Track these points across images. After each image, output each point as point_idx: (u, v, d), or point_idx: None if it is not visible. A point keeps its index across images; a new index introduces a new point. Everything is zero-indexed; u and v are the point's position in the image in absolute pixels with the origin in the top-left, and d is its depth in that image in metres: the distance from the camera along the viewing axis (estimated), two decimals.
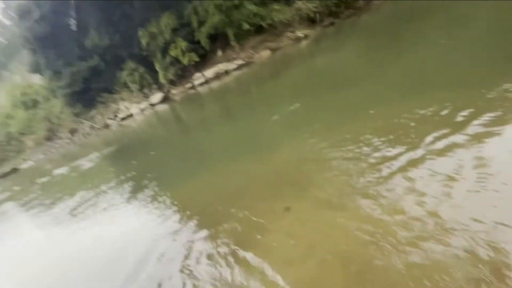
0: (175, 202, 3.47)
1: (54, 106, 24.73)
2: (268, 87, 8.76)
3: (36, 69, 23.53)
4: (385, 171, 2.34)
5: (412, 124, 2.84)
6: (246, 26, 17.47)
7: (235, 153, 4.29)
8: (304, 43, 15.32)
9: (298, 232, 2.15)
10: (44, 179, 10.68)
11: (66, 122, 23.66)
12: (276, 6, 17.89)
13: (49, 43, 21.08)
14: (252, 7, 17.58)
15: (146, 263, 2.58)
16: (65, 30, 21.21)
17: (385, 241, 1.72)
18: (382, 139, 2.81)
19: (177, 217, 3.18)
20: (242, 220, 2.56)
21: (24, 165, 22.70)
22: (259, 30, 17.99)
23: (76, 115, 23.08)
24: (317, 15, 16.65)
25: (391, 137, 2.81)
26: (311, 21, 17.09)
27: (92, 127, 21.87)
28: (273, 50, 17.21)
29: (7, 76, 36.48)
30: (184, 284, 2.17)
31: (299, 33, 16.87)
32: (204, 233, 2.66)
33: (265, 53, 17.38)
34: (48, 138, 24.63)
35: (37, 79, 27.07)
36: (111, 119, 21.23)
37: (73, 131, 23.03)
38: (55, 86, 22.31)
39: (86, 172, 8.72)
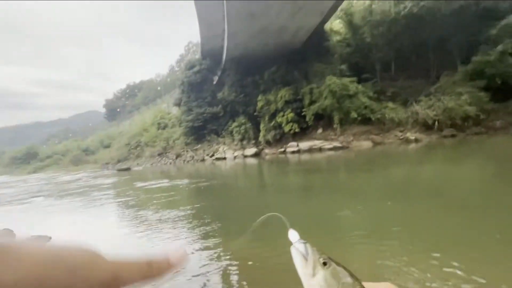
0: (227, 253, 3.42)
1: (175, 132, 30.89)
2: (358, 177, 8.30)
3: (177, 103, 30.88)
4: None
5: None
6: (353, 115, 17.88)
7: (302, 229, 4.03)
8: (413, 146, 14.21)
9: None
10: (142, 185, 12.84)
11: (177, 147, 28.80)
12: (390, 105, 17.85)
13: (193, 88, 27.64)
14: (365, 100, 18.12)
15: None
16: (208, 82, 27.53)
17: None
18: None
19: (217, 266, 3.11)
20: None
21: (135, 168, 28.20)
22: (366, 120, 18.09)
23: (186, 144, 27.85)
24: (436, 123, 15.52)
25: None
26: (426, 126, 16.02)
27: (192, 157, 25.66)
28: (376, 143, 16.65)
29: (159, 102, 49.23)
30: None
31: (410, 135, 15.95)
32: None
33: (365, 143, 16.99)
34: (159, 154, 30.26)
35: (175, 111, 35.13)
36: (208, 155, 24.46)
37: (177, 155, 27.61)
38: (183, 119, 28.17)
39: (171, 191, 10.00)
